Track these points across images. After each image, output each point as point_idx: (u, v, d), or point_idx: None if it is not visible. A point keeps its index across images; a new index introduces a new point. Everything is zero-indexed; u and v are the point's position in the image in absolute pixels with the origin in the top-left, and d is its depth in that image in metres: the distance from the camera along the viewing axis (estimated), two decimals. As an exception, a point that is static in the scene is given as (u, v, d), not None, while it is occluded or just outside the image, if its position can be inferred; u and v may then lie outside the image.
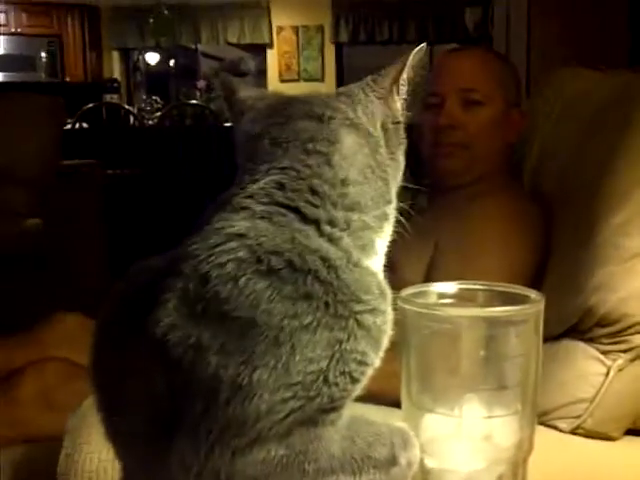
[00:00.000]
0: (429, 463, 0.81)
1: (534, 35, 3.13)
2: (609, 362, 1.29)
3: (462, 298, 0.86)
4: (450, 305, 0.85)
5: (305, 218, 0.73)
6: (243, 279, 0.67)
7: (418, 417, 0.81)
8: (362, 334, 0.70)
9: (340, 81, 9.57)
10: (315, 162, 0.75)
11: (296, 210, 0.73)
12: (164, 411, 0.70)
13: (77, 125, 6.28)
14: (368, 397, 0.75)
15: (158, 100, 8.70)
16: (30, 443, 1.51)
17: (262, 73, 9.69)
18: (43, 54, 8.78)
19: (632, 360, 1.28)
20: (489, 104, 1.63)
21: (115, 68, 9.89)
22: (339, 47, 9.75)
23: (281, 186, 0.74)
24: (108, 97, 8.69)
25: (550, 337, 1.32)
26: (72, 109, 5.57)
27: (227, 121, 6.76)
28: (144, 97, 9.20)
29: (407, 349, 0.81)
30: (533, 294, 0.82)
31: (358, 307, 0.70)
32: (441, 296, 0.87)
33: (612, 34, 2.94)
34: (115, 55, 9.93)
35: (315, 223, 0.73)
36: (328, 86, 9.23)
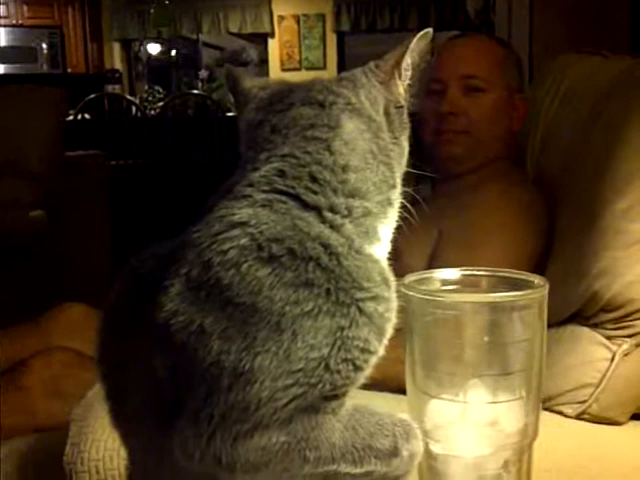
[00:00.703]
0: (434, 449, 0.81)
1: (536, 21, 3.12)
2: (614, 347, 1.29)
3: (466, 284, 0.86)
4: (454, 291, 0.86)
5: (306, 205, 0.73)
6: (245, 266, 0.68)
7: (423, 403, 0.81)
8: (364, 321, 0.70)
9: (342, 70, 9.51)
10: (315, 148, 0.75)
11: (296, 197, 0.73)
12: (167, 397, 0.70)
13: (79, 116, 6.28)
14: (373, 384, 0.76)
15: (160, 90, 8.68)
16: (37, 432, 1.51)
17: (264, 62, 9.68)
18: (44, 46, 8.76)
19: (637, 345, 1.29)
20: (491, 91, 1.63)
21: (116, 59, 9.87)
22: (340, 36, 9.72)
23: (281, 173, 0.74)
24: (110, 88, 8.68)
25: (555, 323, 1.33)
26: (74, 100, 5.56)
27: (229, 111, 6.76)
28: (146, 87, 9.18)
29: (411, 335, 0.81)
30: (537, 279, 0.82)
31: (360, 294, 0.70)
32: (445, 282, 0.87)
33: (614, 20, 2.93)
34: (116, 46, 9.91)
35: (316, 210, 0.73)
36: (330, 75, 9.13)
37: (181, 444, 0.68)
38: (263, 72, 9.36)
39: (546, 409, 1.27)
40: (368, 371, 0.73)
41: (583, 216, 1.36)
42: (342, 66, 9.64)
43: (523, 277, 0.83)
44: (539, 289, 0.80)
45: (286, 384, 0.67)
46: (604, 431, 1.29)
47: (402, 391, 0.85)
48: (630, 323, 1.28)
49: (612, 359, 1.29)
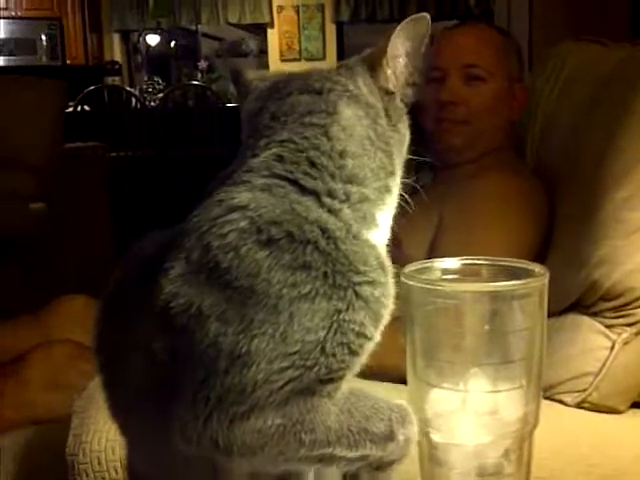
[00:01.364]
0: (435, 438, 0.81)
1: (536, 10, 3.11)
2: (614, 336, 1.29)
3: (466, 273, 0.86)
4: (454, 280, 0.86)
5: (304, 190, 0.73)
6: (244, 249, 0.69)
7: (424, 392, 0.81)
8: (360, 305, 0.70)
9: (341, 60, 9.48)
10: (313, 134, 0.75)
11: (295, 182, 0.74)
12: (165, 380, 0.71)
13: (79, 108, 6.27)
14: (373, 373, 0.76)
15: (160, 81, 8.67)
16: (39, 425, 1.52)
17: (263, 53, 9.65)
18: (44, 37, 8.73)
19: (637, 334, 1.29)
20: (491, 80, 1.63)
21: (116, 50, 9.84)
22: (340, 26, 9.69)
23: (280, 159, 0.75)
24: (109, 79, 8.65)
25: (555, 312, 1.33)
26: (73, 92, 5.55)
27: (229, 102, 6.76)
28: (145, 79, 9.15)
29: (411, 325, 0.81)
30: (537, 268, 0.82)
31: (357, 278, 0.71)
32: (445, 272, 0.87)
33: (614, 8, 2.93)
34: (115, 37, 9.88)
35: (314, 194, 0.74)
36: (329, 65, 9.16)
37: (180, 428, 0.69)
38: (262, 62, 9.33)
39: (546, 398, 1.27)
40: (364, 357, 0.73)
41: (583, 205, 1.36)
42: (341, 56, 9.60)
43: (523, 266, 0.83)
44: (539, 278, 0.80)
45: (282, 366, 0.68)
46: (604, 419, 1.29)
47: (403, 381, 0.85)
48: (630, 312, 1.28)
49: (612, 348, 1.29)
